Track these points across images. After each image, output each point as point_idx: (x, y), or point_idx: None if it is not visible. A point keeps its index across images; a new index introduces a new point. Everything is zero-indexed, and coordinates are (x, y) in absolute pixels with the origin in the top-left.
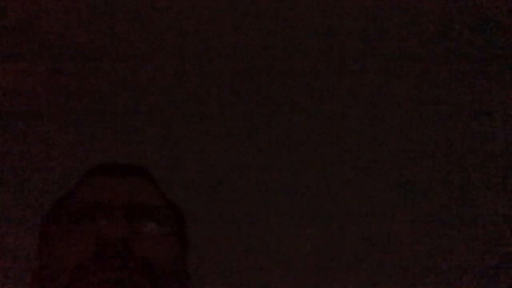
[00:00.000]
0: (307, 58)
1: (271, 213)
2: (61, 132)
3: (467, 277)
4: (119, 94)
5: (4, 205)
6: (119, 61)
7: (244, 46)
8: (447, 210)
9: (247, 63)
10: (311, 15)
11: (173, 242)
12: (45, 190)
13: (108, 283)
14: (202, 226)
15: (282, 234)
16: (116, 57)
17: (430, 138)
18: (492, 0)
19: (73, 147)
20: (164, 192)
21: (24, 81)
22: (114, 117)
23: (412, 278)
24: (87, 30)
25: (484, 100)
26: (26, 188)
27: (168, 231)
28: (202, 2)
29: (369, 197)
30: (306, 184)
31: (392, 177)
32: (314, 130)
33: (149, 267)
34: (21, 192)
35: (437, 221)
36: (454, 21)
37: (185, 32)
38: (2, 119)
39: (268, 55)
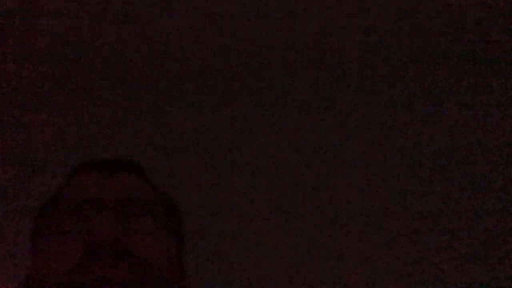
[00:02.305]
0: (307, 58)
1: (270, 212)
2: (56, 128)
3: (466, 275)
4: (116, 90)
5: (4, 206)
6: (115, 58)
7: (244, 46)
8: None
9: (246, 62)
10: (312, 15)
11: (166, 236)
12: (40, 188)
13: (101, 281)
14: (199, 224)
15: (282, 234)
16: (114, 55)
17: (430, 137)
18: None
19: (70, 144)
20: (157, 186)
21: (22, 79)
22: (110, 114)
23: (411, 277)
24: (86, 30)
25: (485, 100)
26: (22, 187)
27: (161, 226)
28: (202, 2)
29: (369, 197)
30: (306, 184)
31: (391, 177)
32: (314, 130)
33: (142, 263)
34: (17, 191)
35: (437, 221)
36: (454, 21)
37: (183, 30)
38: (3, 120)
39: (268, 55)
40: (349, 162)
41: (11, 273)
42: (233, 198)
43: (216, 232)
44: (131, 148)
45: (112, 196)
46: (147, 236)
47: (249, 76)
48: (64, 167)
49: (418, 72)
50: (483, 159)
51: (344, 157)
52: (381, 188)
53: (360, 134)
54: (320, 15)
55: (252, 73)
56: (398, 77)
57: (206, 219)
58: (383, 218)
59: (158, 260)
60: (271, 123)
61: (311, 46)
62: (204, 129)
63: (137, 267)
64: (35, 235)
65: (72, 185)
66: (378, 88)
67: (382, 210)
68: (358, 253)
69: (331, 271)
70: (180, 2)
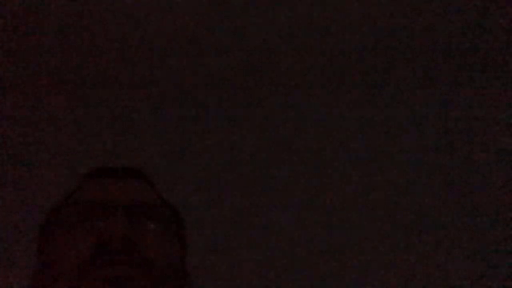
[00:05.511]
0: (307, 60)
1: (270, 213)
2: (61, 133)
3: (466, 277)
4: (119, 96)
5: (4, 206)
6: (119, 64)
7: (244, 47)
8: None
9: (247, 63)
10: (311, 16)
11: (172, 241)
12: (45, 190)
13: (108, 279)
14: (201, 227)
15: (282, 234)
16: (116, 60)
17: (431, 138)
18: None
19: (74, 148)
20: (161, 193)
21: (26, 82)
22: (113, 119)
23: (410, 278)
24: (87, 33)
25: (484, 100)
26: (26, 188)
27: (165, 229)
28: (202, 2)
29: (368, 198)
30: (306, 184)
31: (392, 178)
32: (314, 131)
33: (149, 264)
34: (20, 192)
35: (437, 224)
36: (453, 20)
37: (184, 32)
38: (3, 120)
39: (268, 56)
40: (352, 164)
41: (12, 273)
42: (235, 201)
43: (218, 235)
44: (131, 148)
45: (122, 199)
46: (153, 238)
47: (249, 77)
48: (66, 169)
49: (418, 72)
50: (484, 161)
51: (344, 157)
52: (382, 188)
53: (360, 134)
54: (320, 15)
55: (252, 74)
56: (398, 77)
57: (208, 223)
58: (383, 218)
59: (162, 261)
60: (272, 124)
61: (313, 46)
62: (203, 133)
63: (143, 267)
64: (44, 235)
65: (83, 189)
66: (379, 87)
67: (382, 210)
68: (358, 255)
69: (331, 273)
70: (181, 3)
